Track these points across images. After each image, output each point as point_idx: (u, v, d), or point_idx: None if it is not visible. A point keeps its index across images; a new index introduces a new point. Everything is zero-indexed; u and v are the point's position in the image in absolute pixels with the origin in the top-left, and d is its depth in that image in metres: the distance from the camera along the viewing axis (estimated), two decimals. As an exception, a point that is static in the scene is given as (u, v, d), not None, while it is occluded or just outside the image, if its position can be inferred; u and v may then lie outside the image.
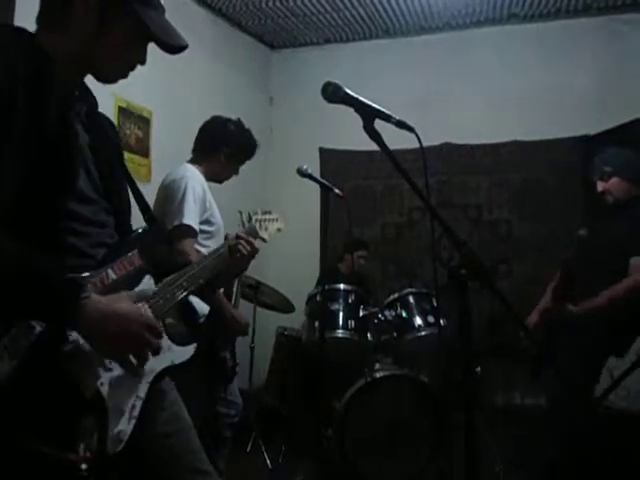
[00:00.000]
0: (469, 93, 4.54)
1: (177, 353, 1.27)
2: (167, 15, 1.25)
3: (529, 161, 4.49)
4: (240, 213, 1.86)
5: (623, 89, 4.14)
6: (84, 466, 0.98)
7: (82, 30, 1.15)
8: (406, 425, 2.90)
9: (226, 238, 1.60)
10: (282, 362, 3.81)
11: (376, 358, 3.12)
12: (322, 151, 4.87)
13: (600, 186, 2.64)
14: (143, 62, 1.23)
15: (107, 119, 1.36)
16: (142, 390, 1.16)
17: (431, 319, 3.12)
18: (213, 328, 2.26)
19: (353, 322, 3.09)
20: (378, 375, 2.95)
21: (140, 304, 1.13)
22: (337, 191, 2.46)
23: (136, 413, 1.13)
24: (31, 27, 1.18)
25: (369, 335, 3.12)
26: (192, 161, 2.57)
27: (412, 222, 4.75)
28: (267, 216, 1.84)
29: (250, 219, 1.79)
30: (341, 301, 3.15)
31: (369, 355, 3.12)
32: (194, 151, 2.63)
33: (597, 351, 2.39)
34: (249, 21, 4.60)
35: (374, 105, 1.24)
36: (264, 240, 1.77)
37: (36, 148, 1.05)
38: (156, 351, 1.10)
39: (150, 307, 1.16)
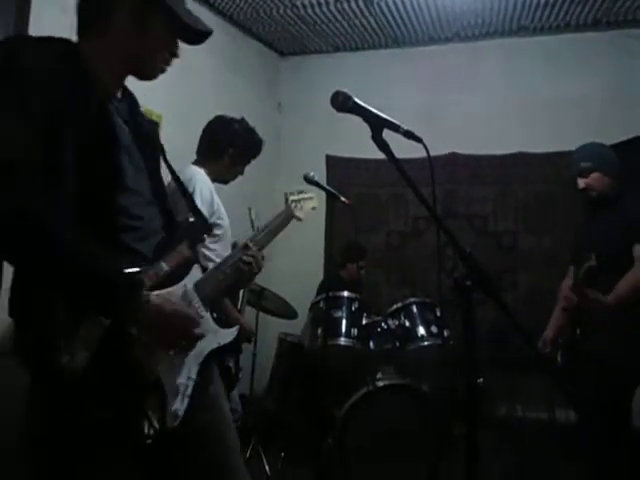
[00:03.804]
0: (476, 104, 4.54)
1: (222, 335, 1.39)
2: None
3: (534, 173, 4.48)
4: (249, 210, 1.85)
5: (630, 104, 4.13)
6: (151, 432, 1.14)
7: (121, 31, 1.21)
8: (406, 435, 2.89)
9: (234, 246, 1.59)
10: (284, 369, 3.80)
11: (378, 367, 3.11)
12: (329, 158, 4.88)
13: (581, 182, 2.56)
14: (177, 55, 1.30)
15: (149, 120, 1.44)
16: (193, 371, 1.28)
17: (434, 329, 3.11)
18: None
19: (356, 330, 3.08)
20: (380, 384, 2.94)
21: (186, 302, 1.26)
22: (344, 199, 2.45)
23: (189, 392, 1.25)
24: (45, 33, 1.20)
25: (371, 344, 3.11)
26: (197, 163, 2.52)
27: (417, 231, 4.74)
28: (302, 195, 1.88)
29: (286, 200, 1.83)
30: (344, 309, 3.13)
31: (371, 364, 3.11)
32: (198, 152, 2.57)
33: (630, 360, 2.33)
34: (259, 28, 4.62)
35: (382, 115, 1.24)
36: (299, 219, 1.82)
37: (83, 148, 1.11)
38: (195, 339, 1.24)
39: (199, 295, 1.30)
